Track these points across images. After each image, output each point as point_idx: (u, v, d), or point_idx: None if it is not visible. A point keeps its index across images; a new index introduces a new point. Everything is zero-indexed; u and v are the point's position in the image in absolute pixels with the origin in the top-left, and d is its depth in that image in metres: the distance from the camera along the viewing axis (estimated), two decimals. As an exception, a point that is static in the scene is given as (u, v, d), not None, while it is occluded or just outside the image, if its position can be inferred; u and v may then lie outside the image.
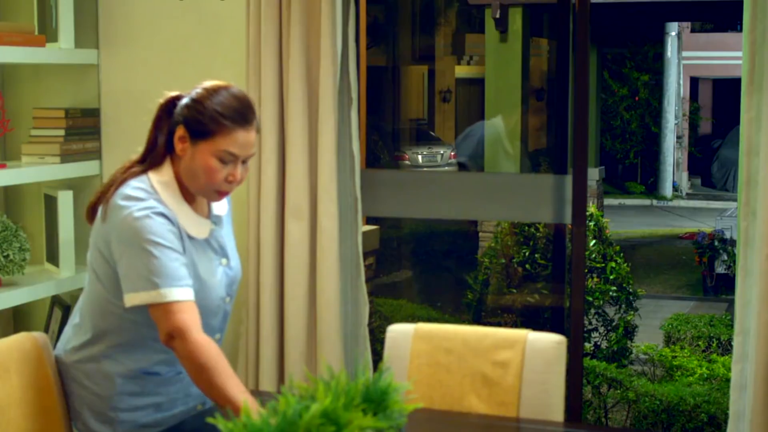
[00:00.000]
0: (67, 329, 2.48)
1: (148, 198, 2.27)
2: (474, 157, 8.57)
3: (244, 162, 2.32)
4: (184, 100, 2.33)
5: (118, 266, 2.26)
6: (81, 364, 2.41)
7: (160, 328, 2.22)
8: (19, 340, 2.42)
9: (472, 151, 8.87)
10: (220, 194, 2.34)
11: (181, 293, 2.21)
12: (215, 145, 2.27)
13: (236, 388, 2.15)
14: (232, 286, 2.46)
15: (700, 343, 6.14)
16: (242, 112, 2.29)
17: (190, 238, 2.33)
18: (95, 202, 2.36)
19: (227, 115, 2.27)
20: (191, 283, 2.26)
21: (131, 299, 2.23)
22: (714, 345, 6.13)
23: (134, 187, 2.29)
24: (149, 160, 2.36)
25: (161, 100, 2.39)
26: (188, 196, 2.36)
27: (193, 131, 2.29)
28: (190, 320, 2.20)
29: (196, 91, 2.33)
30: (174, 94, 2.38)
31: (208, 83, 2.35)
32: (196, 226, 2.35)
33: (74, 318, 2.46)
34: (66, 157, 3.52)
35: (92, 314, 2.38)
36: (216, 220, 2.43)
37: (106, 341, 2.38)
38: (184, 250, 2.30)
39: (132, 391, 2.39)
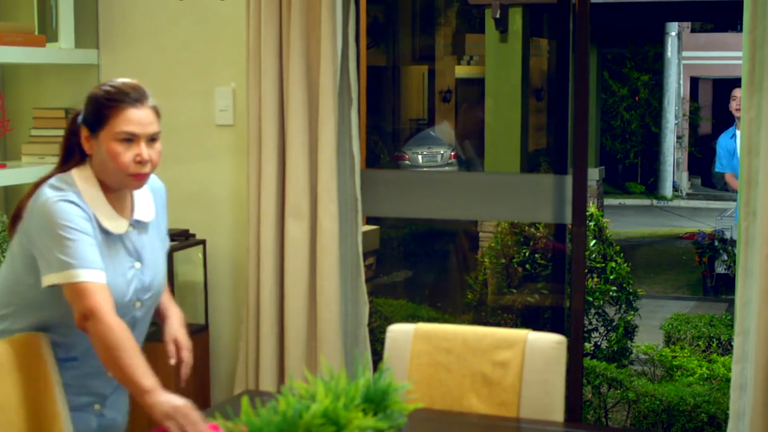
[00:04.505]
0: None
1: (68, 189, 2.34)
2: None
3: (152, 140, 2.37)
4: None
5: (35, 249, 2.32)
6: None
7: (74, 310, 2.27)
8: (19, 340, 2.42)
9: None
10: (136, 177, 2.37)
11: (92, 274, 2.26)
12: (112, 129, 2.33)
13: (141, 370, 2.20)
14: (144, 292, 2.46)
15: (700, 343, 6.13)
16: (127, 92, 2.35)
17: (105, 232, 2.37)
18: (19, 209, 2.43)
19: (114, 97, 2.34)
20: (103, 267, 2.30)
21: (47, 280, 2.29)
22: (714, 345, 6.12)
23: (57, 178, 2.38)
24: (68, 166, 2.42)
25: (68, 121, 2.47)
26: (109, 194, 2.40)
27: (90, 125, 2.36)
28: (103, 302, 2.25)
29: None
30: (76, 110, 2.46)
31: (105, 82, 2.42)
32: (112, 221, 2.39)
33: None
34: (66, 157, 3.51)
35: (4, 292, 2.45)
36: (136, 224, 2.46)
37: (10, 319, 2.43)
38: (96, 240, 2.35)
39: None
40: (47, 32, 3.54)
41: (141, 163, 2.34)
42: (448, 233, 8.66)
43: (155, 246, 2.52)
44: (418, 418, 2.00)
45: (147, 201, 2.51)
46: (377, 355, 3.50)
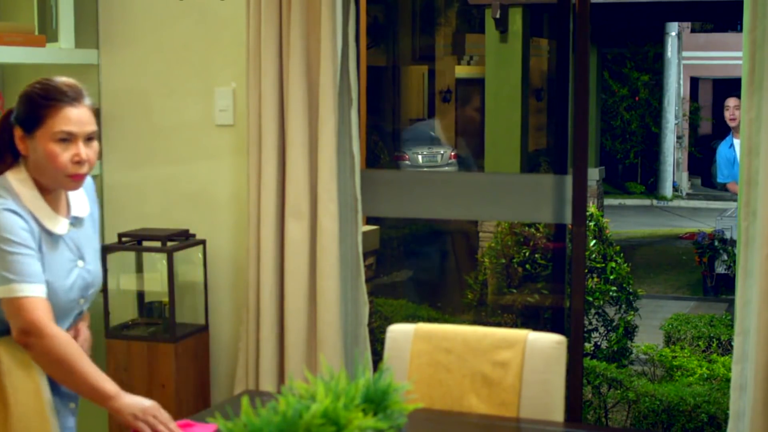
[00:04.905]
0: None
1: (6, 195, 2.30)
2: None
3: (89, 140, 2.33)
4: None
5: None
6: None
7: (12, 326, 2.24)
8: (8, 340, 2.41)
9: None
10: (74, 178, 2.34)
11: (33, 289, 2.23)
12: (49, 129, 2.29)
13: (99, 377, 2.19)
14: (87, 289, 2.45)
15: (700, 343, 6.14)
16: (64, 91, 2.31)
17: (48, 233, 2.35)
18: None
19: (50, 96, 2.30)
20: (44, 281, 2.28)
21: None
22: (714, 345, 6.12)
23: None
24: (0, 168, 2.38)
25: None
26: (46, 195, 2.37)
27: (26, 125, 2.32)
28: (44, 316, 2.23)
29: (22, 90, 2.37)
30: (8, 109, 2.42)
31: (41, 79, 2.37)
32: (53, 222, 2.37)
33: None
34: (66, 157, 3.51)
35: None
36: (74, 222, 2.44)
37: None
38: (40, 246, 2.32)
39: None
40: (47, 32, 3.54)
41: (79, 163, 2.32)
42: (448, 233, 8.66)
43: (92, 240, 2.51)
44: (418, 418, 2.00)
45: (80, 196, 2.48)
46: (377, 355, 3.51)
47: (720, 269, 9.40)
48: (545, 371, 2.58)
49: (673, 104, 18.02)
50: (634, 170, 18.90)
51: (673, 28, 17.60)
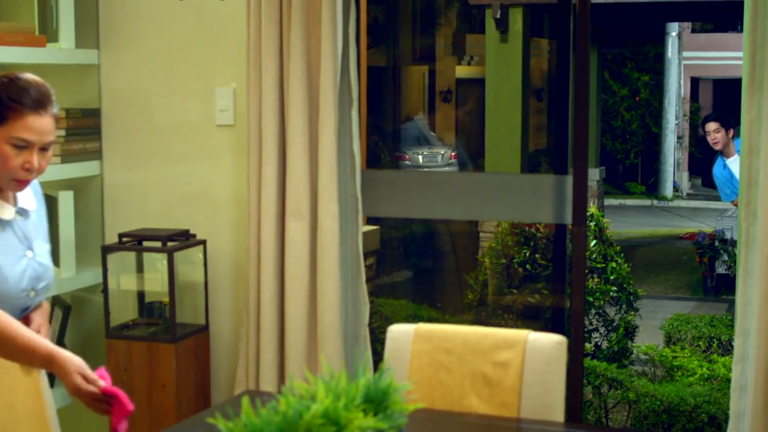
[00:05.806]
0: None
1: None
2: None
3: (44, 149, 2.32)
4: None
5: None
6: None
7: None
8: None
9: None
10: (19, 183, 2.34)
11: None
12: (7, 131, 2.27)
13: (31, 341, 2.16)
14: (38, 281, 2.43)
15: (700, 343, 6.14)
16: (33, 97, 2.29)
17: None
18: None
19: (17, 99, 2.28)
20: None
21: None
22: (714, 345, 6.12)
23: None
24: None
25: None
26: None
27: None
28: None
29: None
30: None
31: (10, 73, 2.35)
32: (0, 207, 2.36)
33: None
34: (66, 157, 3.52)
35: None
36: (22, 212, 2.43)
37: None
38: None
39: None
40: (48, 32, 3.54)
41: (29, 170, 2.31)
42: (448, 233, 8.66)
43: (41, 236, 2.50)
44: (418, 418, 2.00)
45: (27, 191, 2.47)
46: (378, 356, 3.50)
47: (720, 269, 9.41)
48: (546, 371, 2.58)
49: (674, 104, 18.02)
50: (635, 170, 18.90)
51: (673, 29, 17.61)
